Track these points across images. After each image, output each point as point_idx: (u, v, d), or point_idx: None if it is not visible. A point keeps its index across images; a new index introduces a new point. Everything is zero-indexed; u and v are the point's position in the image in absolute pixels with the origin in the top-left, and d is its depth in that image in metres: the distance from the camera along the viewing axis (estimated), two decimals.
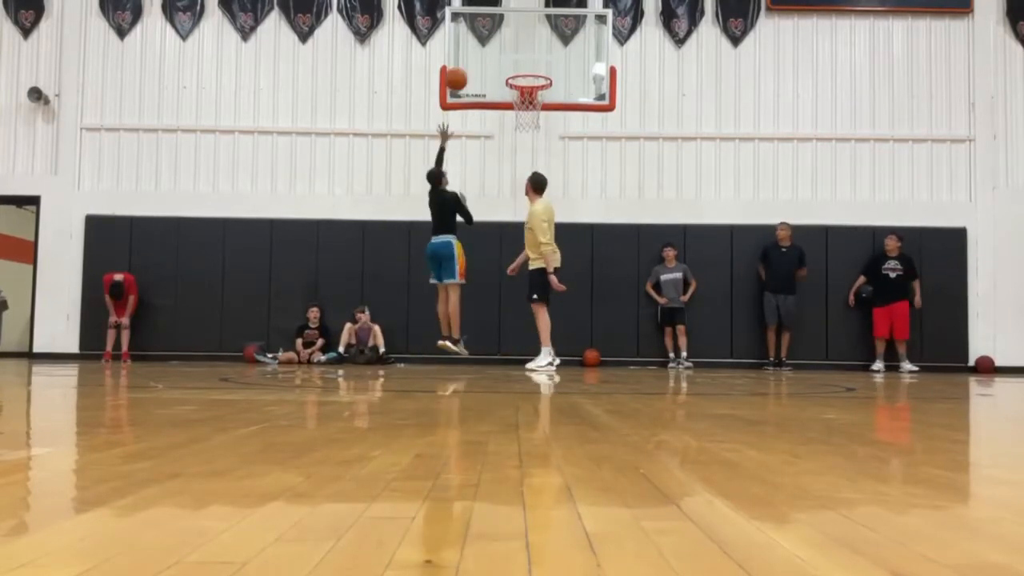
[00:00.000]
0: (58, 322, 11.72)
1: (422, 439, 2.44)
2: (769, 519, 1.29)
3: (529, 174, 9.15)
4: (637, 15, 12.17)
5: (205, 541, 1.09)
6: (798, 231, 11.42)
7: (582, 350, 11.33)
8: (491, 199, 11.78)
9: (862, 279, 11.34)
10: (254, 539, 1.11)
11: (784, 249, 11.28)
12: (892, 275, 11.18)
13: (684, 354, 11.18)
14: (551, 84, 10.07)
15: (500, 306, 11.21)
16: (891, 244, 11.24)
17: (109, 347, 11.16)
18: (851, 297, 11.39)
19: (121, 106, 12.10)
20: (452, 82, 9.64)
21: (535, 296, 8.64)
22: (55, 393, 4.85)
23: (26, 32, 12.17)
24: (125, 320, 11.25)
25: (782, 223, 11.33)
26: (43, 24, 12.20)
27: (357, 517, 1.26)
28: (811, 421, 3.29)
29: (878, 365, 11.10)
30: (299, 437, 2.45)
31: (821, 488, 1.59)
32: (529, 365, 8.72)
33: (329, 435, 2.46)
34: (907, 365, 11.00)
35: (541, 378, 7.04)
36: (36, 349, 11.73)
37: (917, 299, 11.21)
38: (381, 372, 8.16)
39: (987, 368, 11.38)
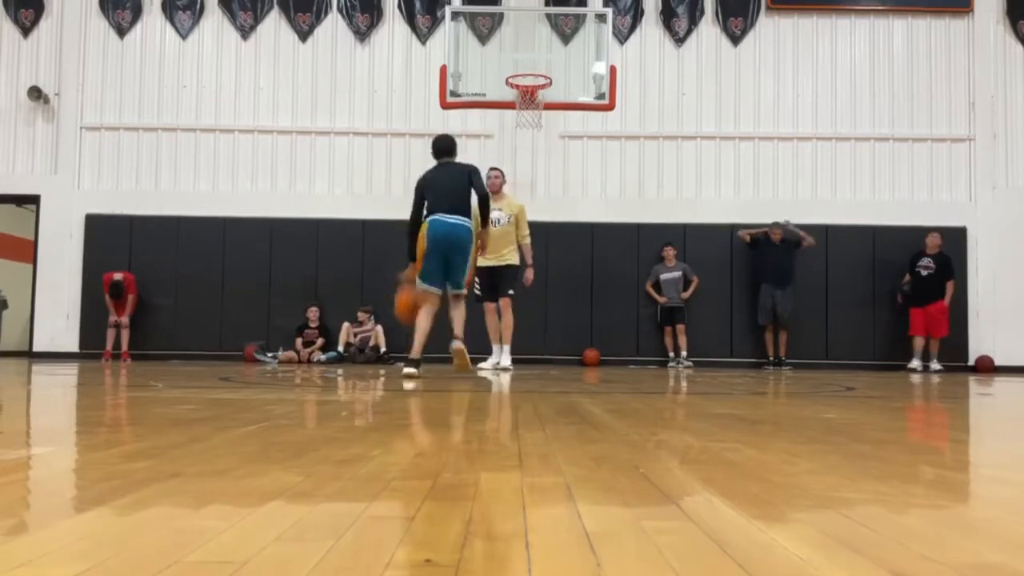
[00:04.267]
0: (58, 321, 11.71)
1: (422, 439, 2.44)
2: (769, 519, 1.29)
3: (498, 170, 8.63)
4: (637, 14, 12.16)
5: (205, 540, 1.09)
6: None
7: (582, 349, 11.33)
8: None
9: (907, 277, 11.29)
10: (254, 539, 1.11)
11: (777, 243, 11.28)
12: (924, 273, 11.13)
13: (684, 353, 11.17)
14: (551, 83, 10.07)
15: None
16: (931, 242, 11.17)
17: (109, 346, 11.16)
18: (899, 296, 11.31)
19: (121, 105, 12.10)
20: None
21: (512, 292, 8.56)
22: (55, 392, 4.85)
23: (26, 31, 12.16)
24: (125, 319, 11.25)
25: (774, 223, 11.32)
26: (43, 23, 12.19)
27: (357, 517, 1.26)
28: (811, 420, 3.29)
29: (915, 363, 11.04)
30: (299, 436, 2.45)
31: (821, 488, 1.59)
32: (503, 363, 8.58)
33: (329, 434, 2.46)
34: (934, 364, 11.00)
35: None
36: (36, 348, 11.73)
37: (946, 299, 11.11)
38: (381, 371, 8.16)
39: (987, 367, 11.38)
